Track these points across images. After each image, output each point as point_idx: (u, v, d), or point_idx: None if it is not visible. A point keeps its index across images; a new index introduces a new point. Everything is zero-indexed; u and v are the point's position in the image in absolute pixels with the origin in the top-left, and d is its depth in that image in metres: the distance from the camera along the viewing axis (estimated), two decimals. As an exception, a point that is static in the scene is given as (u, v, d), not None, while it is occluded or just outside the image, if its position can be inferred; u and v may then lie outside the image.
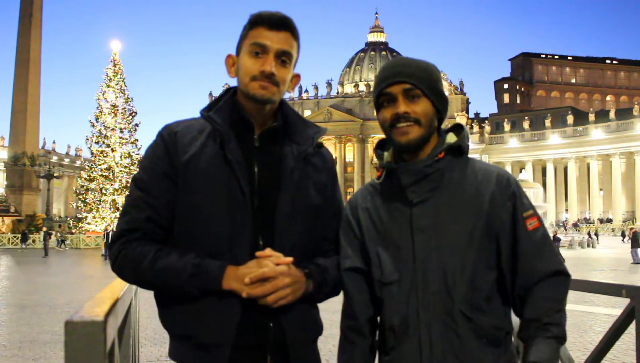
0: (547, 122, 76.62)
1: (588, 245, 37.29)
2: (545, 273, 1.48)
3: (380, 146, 1.67)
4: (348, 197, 1.66)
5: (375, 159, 1.66)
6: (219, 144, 1.52)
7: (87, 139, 41.58)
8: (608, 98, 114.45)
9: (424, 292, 1.49)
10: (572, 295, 1.76)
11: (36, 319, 9.26)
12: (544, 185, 64.99)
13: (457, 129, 1.61)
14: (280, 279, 1.45)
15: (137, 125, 42.45)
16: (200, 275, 1.45)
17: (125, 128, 41.75)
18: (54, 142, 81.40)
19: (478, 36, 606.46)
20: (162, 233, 1.53)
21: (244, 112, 1.57)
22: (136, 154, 41.69)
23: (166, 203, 1.52)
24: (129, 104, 42.34)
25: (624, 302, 2.62)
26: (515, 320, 1.56)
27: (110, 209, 39.61)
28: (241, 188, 1.49)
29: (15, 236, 40.48)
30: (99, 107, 41.43)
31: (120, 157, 40.99)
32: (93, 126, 41.27)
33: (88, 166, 42.46)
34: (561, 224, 67.20)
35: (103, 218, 39.22)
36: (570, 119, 75.25)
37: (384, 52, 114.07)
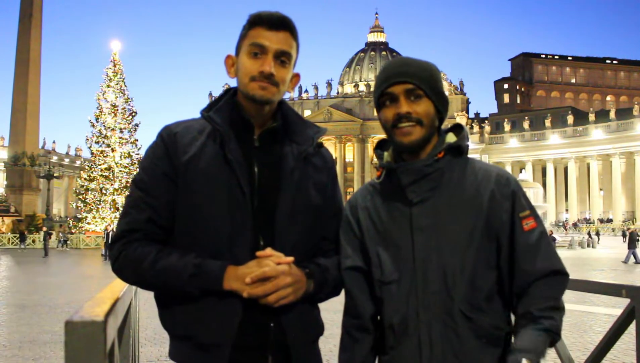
0: (547, 122, 76.63)
1: (588, 245, 37.29)
2: (542, 272, 1.47)
3: (380, 146, 1.67)
4: (348, 197, 1.66)
5: (375, 159, 1.66)
6: (219, 144, 1.52)
7: (87, 139, 41.57)
8: (608, 98, 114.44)
9: (424, 292, 1.49)
10: (572, 295, 1.76)
11: (36, 319, 9.26)
12: (544, 185, 64.97)
13: (457, 129, 1.62)
14: (281, 278, 1.45)
15: (137, 125, 42.45)
16: (201, 275, 1.45)
17: (125, 128, 41.73)
18: (54, 142, 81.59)
19: (478, 36, 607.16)
20: (163, 234, 1.53)
21: (243, 112, 1.57)
22: (136, 154, 41.67)
23: (166, 203, 1.52)
24: (129, 104, 42.32)
25: (624, 302, 2.62)
26: (515, 320, 1.55)
27: (110, 209, 39.60)
28: (241, 188, 1.49)
29: (15, 236, 40.48)
30: (99, 107, 41.41)
31: (120, 157, 40.99)
32: (93, 126, 41.25)
33: (88, 166, 42.43)
34: (561, 224, 67.18)
35: (103, 218, 39.21)
36: (570, 119, 75.25)
37: (384, 52, 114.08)
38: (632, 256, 23.25)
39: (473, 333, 1.47)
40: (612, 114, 71.10)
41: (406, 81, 1.51)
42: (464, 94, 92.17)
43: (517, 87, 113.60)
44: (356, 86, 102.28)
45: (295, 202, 1.54)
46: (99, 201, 39.89)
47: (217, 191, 1.49)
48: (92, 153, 41.77)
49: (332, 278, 1.60)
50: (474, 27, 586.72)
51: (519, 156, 77.90)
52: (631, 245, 23.70)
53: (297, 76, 1.65)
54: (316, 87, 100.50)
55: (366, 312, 1.60)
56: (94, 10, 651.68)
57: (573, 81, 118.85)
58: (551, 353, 1.69)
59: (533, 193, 38.09)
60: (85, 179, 40.63)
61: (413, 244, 1.51)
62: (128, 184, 37.75)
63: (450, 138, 1.59)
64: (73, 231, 40.93)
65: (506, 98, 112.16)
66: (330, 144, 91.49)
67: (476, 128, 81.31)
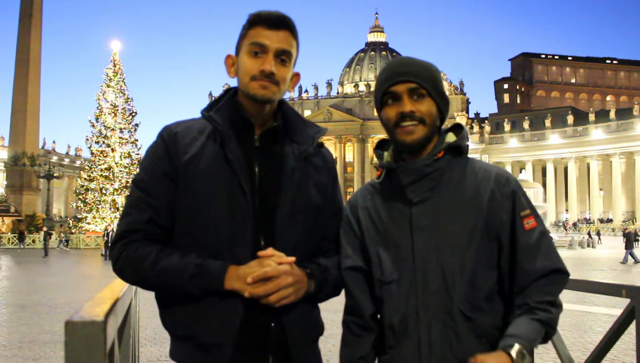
0: (547, 122, 76.61)
1: (588, 245, 37.29)
2: (542, 272, 1.47)
3: (380, 146, 1.67)
4: (348, 197, 1.66)
5: (375, 159, 1.66)
6: (219, 144, 1.52)
7: (87, 139, 41.59)
8: (608, 98, 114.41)
9: (424, 292, 1.49)
10: (572, 295, 1.76)
11: (36, 319, 9.27)
12: (544, 185, 64.93)
13: (457, 129, 1.62)
14: (283, 278, 1.45)
15: (137, 125, 42.47)
16: (202, 275, 1.45)
17: (125, 128, 41.74)
18: (54, 142, 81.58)
19: (478, 36, 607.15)
20: (163, 234, 1.53)
21: (244, 112, 1.57)
22: (136, 154, 41.68)
23: (167, 203, 1.52)
24: (129, 104, 42.34)
25: (624, 302, 2.62)
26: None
27: (110, 209, 39.60)
28: (242, 188, 1.49)
29: (15, 236, 40.50)
30: (99, 107, 41.42)
31: (120, 157, 40.99)
32: (93, 126, 41.26)
33: (88, 166, 42.44)
34: (560, 224, 67.17)
35: (103, 218, 39.21)
36: (570, 119, 75.23)
37: (384, 52, 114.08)
38: (630, 257, 23.24)
39: (473, 333, 1.47)
40: (612, 114, 71.08)
41: (409, 80, 1.51)
42: (464, 94, 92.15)
43: (517, 87, 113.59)
44: (356, 86, 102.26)
45: (295, 202, 1.54)
46: (99, 201, 39.89)
47: (218, 191, 1.49)
48: (92, 153, 41.77)
49: (332, 278, 1.60)
50: (474, 27, 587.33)
51: (519, 156, 77.88)
52: (628, 246, 23.70)
53: (297, 75, 1.65)
54: (316, 87, 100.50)
55: (366, 312, 1.60)
56: (94, 10, 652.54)
57: (573, 81, 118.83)
58: (551, 353, 1.69)
59: (533, 193, 38.03)
60: (85, 179, 40.64)
61: (413, 244, 1.51)
62: (128, 184, 37.85)
63: (450, 137, 1.59)
64: (73, 231, 40.93)
65: (506, 98, 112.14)
66: (330, 144, 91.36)
67: (476, 128, 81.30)
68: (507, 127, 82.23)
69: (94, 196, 39.93)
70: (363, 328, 1.61)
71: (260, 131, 1.59)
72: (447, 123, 1.64)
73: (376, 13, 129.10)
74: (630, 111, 70.63)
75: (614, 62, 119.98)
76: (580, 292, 3.14)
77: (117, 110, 41.39)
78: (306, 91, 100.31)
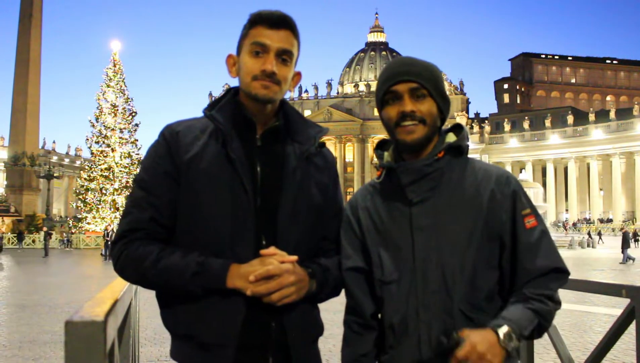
0: (547, 122, 76.58)
1: (588, 245, 37.29)
2: (542, 270, 1.48)
3: (380, 146, 1.68)
4: (348, 197, 1.66)
5: (375, 159, 1.66)
6: (221, 143, 1.52)
7: (87, 139, 41.57)
8: (608, 98, 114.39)
9: (424, 292, 1.49)
10: (572, 295, 1.76)
11: (36, 319, 9.27)
12: (544, 185, 64.97)
13: (457, 129, 1.62)
14: (285, 277, 1.45)
15: (137, 125, 42.45)
16: (203, 273, 1.45)
17: (125, 128, 41.72)
18: (54, 142, 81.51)
19: (478, 36, 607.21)
20: (165, 233, 1.53)
21: (245, 111, 1.57)
22: (136, 154, 41.66)
23: (168, 202, 1.52)
24: (129, 104, 42.32)
25: (624, 302, 2.62)
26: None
27: (110, 209, 39.58)
28: (244, 187, 1.49)
29: (15, 236, 40.50)
30: (99, 107, 41.39)
31: (120, 157, 40.97)
32: (93, 126, 41.24)
33: (88, 166, 42.42)
34: (560, 224, 67.17)
35: (103, 218, 39.19)
36: (570, 119, 75.20)
37: (384, 52, 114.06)
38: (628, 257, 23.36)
39: (473, 333, 1.47)
40: (612, 114, 71.05)
41: (411, 79, 1.52)
42: (464, 94, 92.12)
43: (517, 87, 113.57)
44: (356, 86, 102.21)
45: (297, 201, 1.54)
46: (99, 201, 39.87)
47: (219, 190, 1.49)
48: (92, 153, 41.75)
49: (333, 278, 1.60)
50: (474, 27, 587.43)
51: (519, 156, 77.86)
52: (625, 245, 23.78)
53: (298, 75, 1.65)
54: (316, 87, 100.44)
55: (367, 312, 1.61)
56: (94, 10, 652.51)
57: (573, 81, 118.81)
58: (551, 353, 1.69)
59: (533, 193, 38.07)
60: (85, 179, 40.62)
61: (413, 244, 1.51)
62: (128, 184, 37.89)
63: (450, 137, 1.59)
64: (73, 231, 40.93)
65: (506, 98, 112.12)
66: (330, 144, 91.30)
67: (476, 128, 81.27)
68: (507, 127, 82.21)
69: (94, 196, 39.91)
70: (364, 327, 1.61)
71: (262, 131, 1.59)
72: (447, 123, 1.64)
73: (376, 13, 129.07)
74: (630, 111, 70.61)
75: (614, 62, 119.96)
76: (580, 292, 3.14)
77: (117, 110, 41.37)
78: (306, 91, 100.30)
